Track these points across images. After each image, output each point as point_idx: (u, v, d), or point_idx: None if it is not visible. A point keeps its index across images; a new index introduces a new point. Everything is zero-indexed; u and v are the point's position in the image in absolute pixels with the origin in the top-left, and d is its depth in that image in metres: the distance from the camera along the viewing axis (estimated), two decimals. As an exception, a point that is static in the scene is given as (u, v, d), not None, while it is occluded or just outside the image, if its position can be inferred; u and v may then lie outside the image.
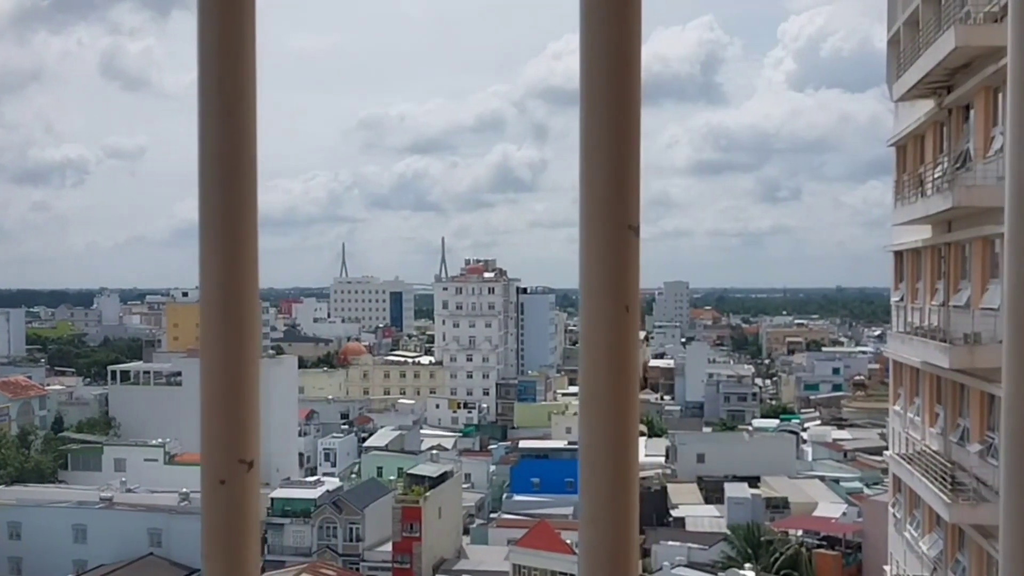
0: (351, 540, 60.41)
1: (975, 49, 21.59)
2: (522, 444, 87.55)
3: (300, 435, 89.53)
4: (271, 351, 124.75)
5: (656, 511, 60.47)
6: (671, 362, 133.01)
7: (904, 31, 29.57)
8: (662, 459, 75.63)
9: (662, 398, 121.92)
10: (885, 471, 40.71)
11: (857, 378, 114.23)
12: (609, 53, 1.02)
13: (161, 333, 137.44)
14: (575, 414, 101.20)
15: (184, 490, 57.32)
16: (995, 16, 21.16)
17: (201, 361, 1.09)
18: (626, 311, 1.05)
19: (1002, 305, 0.88)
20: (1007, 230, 1.00)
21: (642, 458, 75.09)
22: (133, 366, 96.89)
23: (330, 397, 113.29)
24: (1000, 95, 22.01)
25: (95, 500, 60.35)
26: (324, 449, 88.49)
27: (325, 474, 77.91)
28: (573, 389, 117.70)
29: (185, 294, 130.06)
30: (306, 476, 77.31)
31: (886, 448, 38.71)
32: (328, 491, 63.95)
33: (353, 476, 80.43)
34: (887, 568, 33.15)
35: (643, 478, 68.47)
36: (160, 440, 73.36)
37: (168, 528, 56.25)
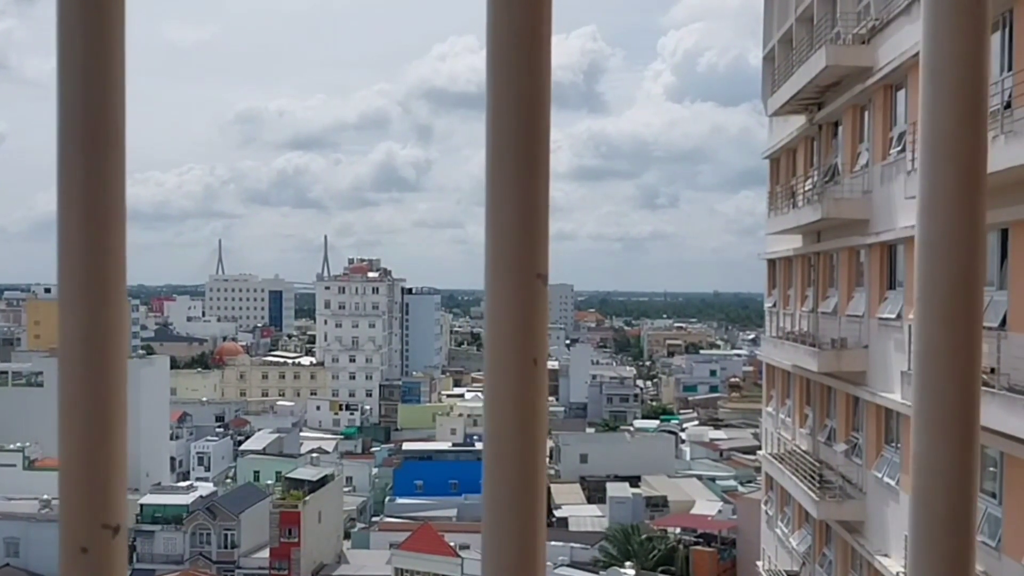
0: (226, 547, 58.79)
1: (844, 69, 22.70)
2: (405, 446, 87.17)
3: (172, 439, 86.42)
4: (141, 351, 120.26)
5: (539, 512, 61.09)
6: (556, 363, 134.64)
7: (779, 49, 30.83)
8: (546, 460, 76.53)
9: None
10: (758, 470, 42.29)
11: (732, 380, 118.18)
12: (518, 113, 0.97)
13: (21, 331, 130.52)
14: (460, 415, 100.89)
15: (45, 496, 54.56)
16: (863, 38, 22.31)
17: (60, 412, 0.98)
18: (534, 364, 0.98)
19: (915, 313, 0.99)
20: (918, 250, 1.03)
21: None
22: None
23: (204, 399, 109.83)
24: (866, 113, 23.22)
25: (-54, 508, 57.02)
26: (197, 453, 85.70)
27: (198, 479, 75.58)
28: (458, 390, 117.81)
29: (48, 290, 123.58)
30: (178, 481, 74.90)
31: (759, 448, 40.24)
32: (201, 496, 62.05)
33: (228, 481, 78.40)
34: (759, 563, 34.44)
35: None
36: (19, 444, 69.87)
37: (26, 537, 53.50)
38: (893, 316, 21.03)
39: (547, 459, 1.05)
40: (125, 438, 1.00)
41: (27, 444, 68.73)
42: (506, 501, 0.98)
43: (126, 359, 1.01)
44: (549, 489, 66.27)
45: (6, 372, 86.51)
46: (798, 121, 27.94)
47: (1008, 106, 15.10)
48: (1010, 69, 15.74)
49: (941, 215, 1.01)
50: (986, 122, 1.04)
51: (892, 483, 20.72)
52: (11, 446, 69.87)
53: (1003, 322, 15.88)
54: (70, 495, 0.98)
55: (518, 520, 0.99)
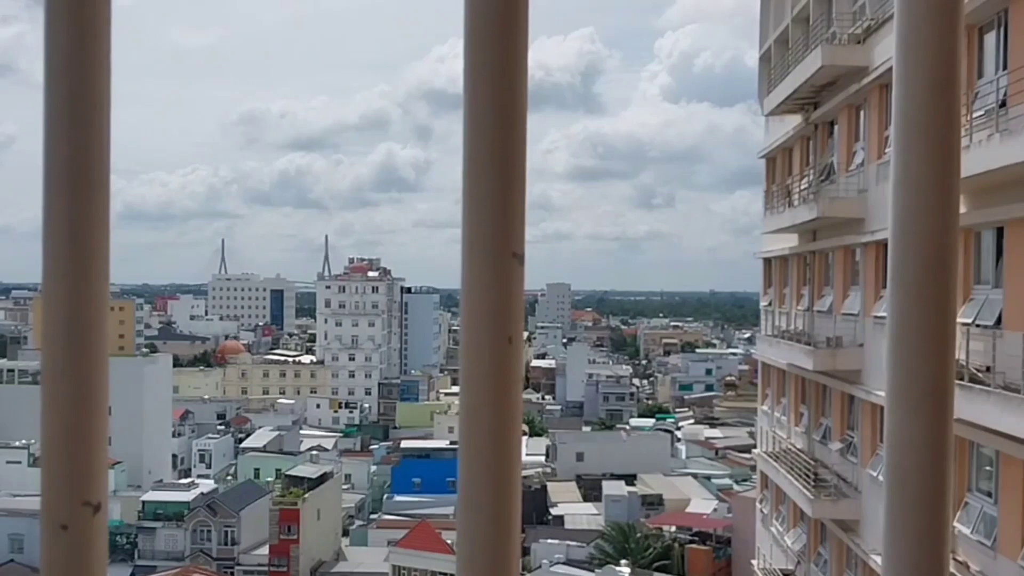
0: (226, 543, 58.96)
1: (840, 68, 22.75)
2: (404, 444, 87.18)
3: (174, 436, 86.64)
4: (144, 349, 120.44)
5: (536, 510, 61.23)
6: (552, 362, 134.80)
7: (775, 49, 30.88)
8: (542, 458, 76.58)
9: (543, 398, 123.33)
10: (754, 468, 42.33)
11: (728, 379, 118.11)
12: (495, 80, 0.98)
13: (27, 329, 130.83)
14: (458, 413, 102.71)
15: (49, 493, 54.83)
16: (859, 38, 22.36)
17: (42, 389, 0.99)
18: (509, 342, 0.99)
19: (888, 311, 1.01)
20: (891, 238, 1.04)
21: (523, 457, 75.79)
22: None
23: (206, 397, 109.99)
24: (862, 112, 23.28)
25: (-49, 504, 57.18)
26: (199, 450, 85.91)
27: (199, 476, 75.74)
28: (456, 389, 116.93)
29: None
30: (180, 478, 75.02)
31: (754, 446, 40.29)
32: (202, 493, 62.22)
33: (229, 478, 78.48)
34: (755, 562, 34.50)
35: (524, 477, 68.56)
36: (24, 441, 70.05)
37: (30, 534, 53.56)
38: (889, 315, 21.07)
39: (522, 436, 1.07)
40: (106, 419, 1.02)
41: (32, 441, 68.89)
42: (482, 478, 0.99)
43: (107, 344, 1.03)
44: (545, 487, 66.31)
45: (12, 370, 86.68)
46: (794, 121, 27.99)
47: (1003, 104, 15.15)
48: (1005, 68, 15.80)
49: (914, 204, 1.03)
50: (959, 112, 1.05)
51: (887, 481, 20.75)
52: (17, 443, 70.10)
53: (998, 320, 15.93)
54: (51, 473, 0.99)
55: (493, 497, 1.00)
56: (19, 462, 67.59)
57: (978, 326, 16.21)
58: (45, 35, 0.97)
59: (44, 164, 0.98)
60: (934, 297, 1.03)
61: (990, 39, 16.37)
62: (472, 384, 0.99)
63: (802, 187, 26.70)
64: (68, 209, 0.98)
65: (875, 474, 21.59)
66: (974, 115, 15.66)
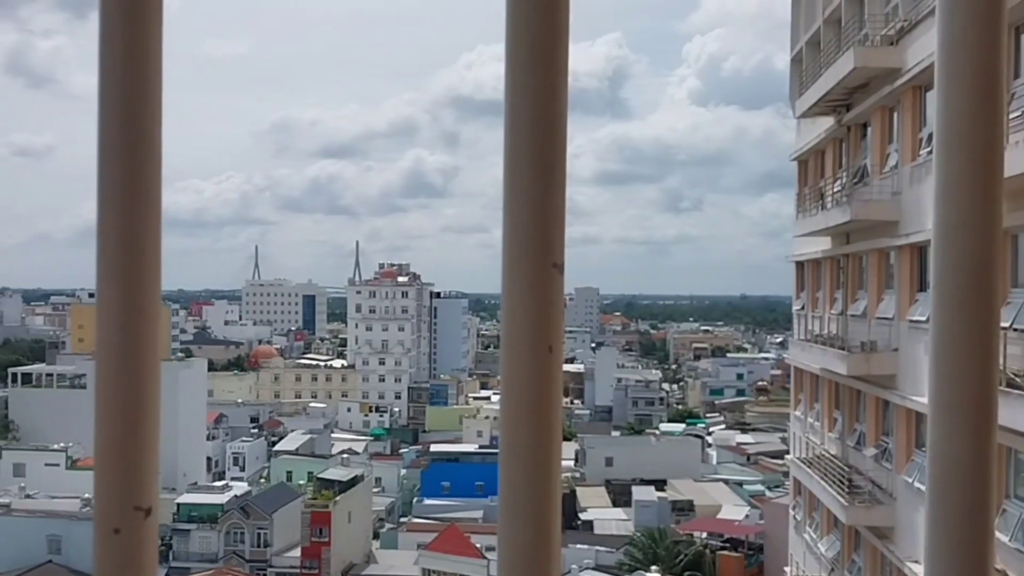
0: (259, 545, 59.50)
1: (872, 70, 22.53)
2: (433, 448, 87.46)
3: (208, 439, 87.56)
4: (179, 354, 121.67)
5: (564, 514, 61.00)
6: (581, 367, 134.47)
7: (806, 51, 30.65)
8: (571, 463, 76.43)
9: (572, 402, 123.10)
10: (786, 474, 41.97)
11: (760, 383, 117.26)
12: (536, 91, 0.99)
13: (65, 335, 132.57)
14: (487, 417, 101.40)
15: (86, 495, 55.60)
16: (891, 39, 22.14)
17: (96, 396, 1.02)
18: (549, 351, 1.00)
19: (931, 314, 0.99)
20: (934, 243, 1.03)
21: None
22: (35, 368, 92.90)
23: (240, 400, 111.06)
24: (895, 114, 23.03)
25: (-7, 506, 58.13)
26: (233, 453, 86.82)
27: (233, 479, 76.44)
28: (485, 393, 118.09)
29: (91, 295, 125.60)
30: (214, 481, 75.78)
31: (787, 452, 39.96)
32: (236, 496, 62.85)
33: (262, 480, 79.18)
34: (787, 569, 34.18)
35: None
36: (62, 444, 71.14)
37: (68, 535, 54.44)
38: (924, 319, 20.82)
39: (562, 445, 1.07)
40: (158, 425, 1.05)
41: (70, 444, 69.99)
42: (522, 486, 1.00)
43: (159, 353, 1.05)
44: (575, 492, 66.13)
45: (51, 374, 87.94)
46: (826, 123, 27.74)
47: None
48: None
49: (956, 208, 1.02)
50: (1002, 113, 1.04)
51: (923, 488, 20.49)
52: (55, 446, 71.19)
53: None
54: (104, 478, 1.01)
55: (534, 504, 1.00)
56: (57, 464, 68.61)
57: (1015, 330, 15.98)
58: (100, 46, 0.98)
59: (98, 173, 1.00)
60: (977, 306, 1.03)
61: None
62: (513, 393, 1.00)
63: (835, 189, 26.45)
64: (121, 217, 0.99)
65: (910, 480, 21.32)
66: (1011, 117, 15.44)
